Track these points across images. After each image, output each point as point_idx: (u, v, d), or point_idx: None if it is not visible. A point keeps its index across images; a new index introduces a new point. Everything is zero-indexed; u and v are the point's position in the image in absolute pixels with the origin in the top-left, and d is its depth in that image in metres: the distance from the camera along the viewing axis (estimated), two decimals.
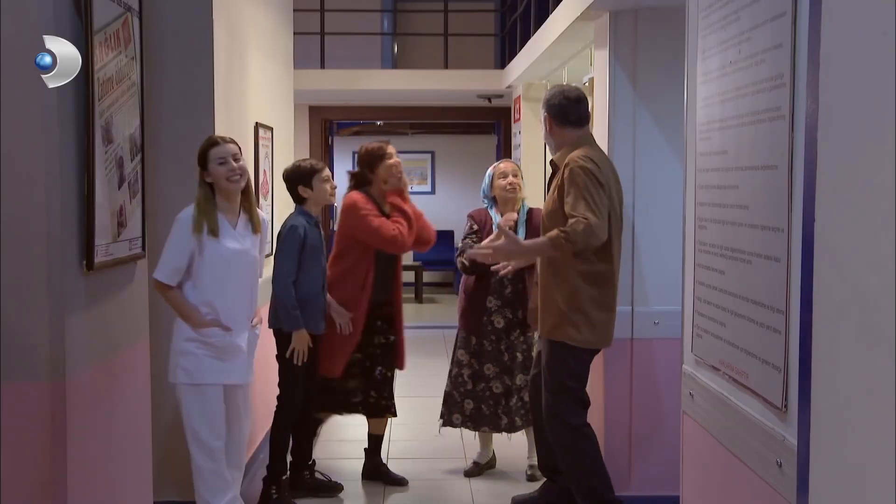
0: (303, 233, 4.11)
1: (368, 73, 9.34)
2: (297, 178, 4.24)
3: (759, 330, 2.06)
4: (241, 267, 3.54)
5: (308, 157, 9.52)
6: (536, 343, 4.53)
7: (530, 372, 4.23)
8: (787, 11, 1.93)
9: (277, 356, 4.21)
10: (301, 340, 4.10)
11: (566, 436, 3.74)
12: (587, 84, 5.66)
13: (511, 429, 4.59)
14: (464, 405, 4.61)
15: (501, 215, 4.50)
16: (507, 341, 4.51)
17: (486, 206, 4.65)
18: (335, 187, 4.35)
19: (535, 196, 6.52)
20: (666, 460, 3.97)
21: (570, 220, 3.46)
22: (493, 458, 4.83)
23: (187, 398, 3.46)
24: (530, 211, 4.56)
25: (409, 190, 4.62)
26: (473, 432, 4.75)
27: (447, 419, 4.65)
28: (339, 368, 4.39)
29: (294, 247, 4.10)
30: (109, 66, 2.76)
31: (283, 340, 4.16)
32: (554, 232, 3.48)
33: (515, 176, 4.56)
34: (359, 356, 4.44)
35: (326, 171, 4.29)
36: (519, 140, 8.10)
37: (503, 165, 4.65)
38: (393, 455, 5.04)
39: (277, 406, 4.23)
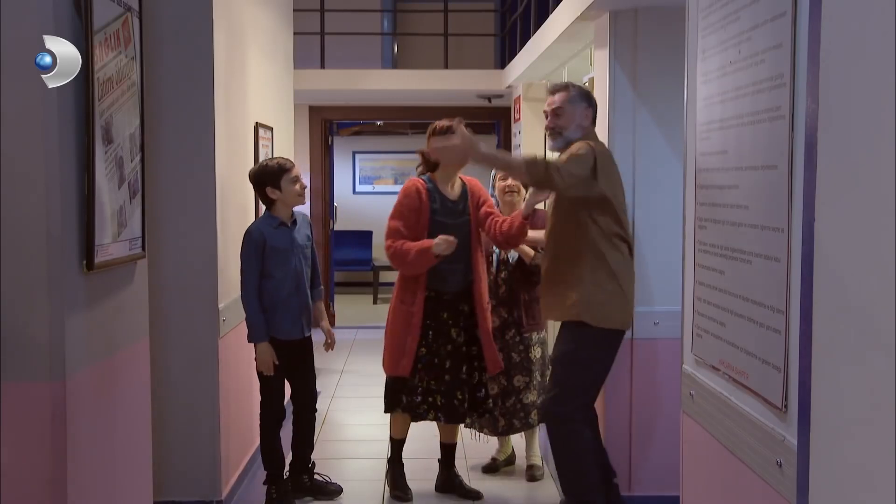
0: (259, 237, 4.03)
1: (368, 73, 9.33)
2: (265, 179, 4.09)
3: (759, 330, 2.06)
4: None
5: (308, 157, 9.58)
6: (536, 344, 4.53)
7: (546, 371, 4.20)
8: (787, 11, 1.93)
9: (256, 361, 4.19)
10: (262, 352, 4.05)
11: (565, 433, 3.72)
12: (587, 84, 5.65)
13: (509, 431, 4.58)
14: None
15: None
16: (502, 341, 4.49)
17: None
18: (305, 187, 4.17)
19: None
20: (666, 460, 3.97)
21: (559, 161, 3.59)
22: (513, 454, 4.82)
23: None
24: (533, 213, 4.54)
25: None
26: (478, 433, 4.74)
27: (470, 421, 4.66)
28: (405, 367, 4.16)
29: (249, 253, 4.03)
30: (109, 66, 2.76)
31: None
32: (534, 156, 3.58)
33: None
34: (424, 351, 4.16)
35: (296, 171, 4.14)
36: (519, 140, 8.09)
37: None
38: None
39: (260, 411, 4.24)
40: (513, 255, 4.47)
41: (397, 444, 4.46)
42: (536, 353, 4.53)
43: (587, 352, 3.69)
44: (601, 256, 3.63)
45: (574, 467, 3.73)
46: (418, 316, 4.13)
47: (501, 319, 4.50)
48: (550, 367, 3.87)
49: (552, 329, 4.57)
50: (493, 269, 4.50)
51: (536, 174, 3.50)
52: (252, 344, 4.13)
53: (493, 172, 4.63)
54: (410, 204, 4.14)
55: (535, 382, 4.50)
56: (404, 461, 4.51)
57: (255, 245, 4.03)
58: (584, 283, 3.64)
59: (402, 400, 4.25)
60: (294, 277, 4.12)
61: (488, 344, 4.24)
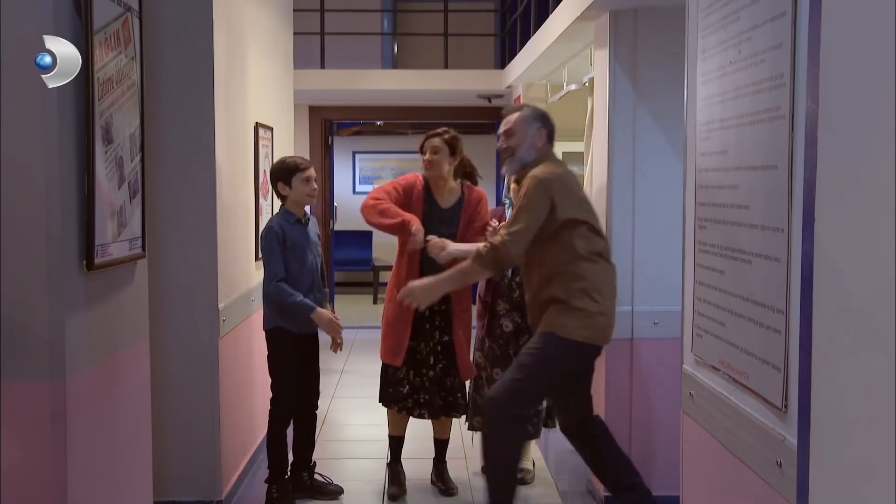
0: (280, 231, 4.09)
1: (368, 73, 9.33)
2: (278, 175, 4.17)
3: (759, 330, 2.06)
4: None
5: (308, 157, 9.57)
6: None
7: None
8: (787, 11, 1.93)
9: (268, 356, 4.21)
10: (321, 315, 4.11)
11: (502, 425, 3.57)
12: (587, 84, 5.65)
13: None
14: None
15: None
16: (516, 346, 4.46)
17: (505, 205, 4.62)
18: (315, 189, 4.22)
19: None
20: (666, 460, 3.97)
21: (498, 236, 3.55)
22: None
23: None
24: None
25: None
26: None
27: (471, 423, 4.64)
28: (398, 357, 4.27)
29: (273, 247, 4.08)
30: (109, 66, 2.76)
31: (272, 341, 4.17)
32: (475, 256, 3.57)
33: None
34: (412, 344, 4.28)
35: (310, 171, 4.18)
36: None
37: None
38: None
39: (270, 407, 4.24)
40: None
41: (394, 440, 4.51)
42: None
43: (548, 355, 3.56)
44: (578, 273, 3.53)
45: (502, 469, 3.61)
46: (412, 307, 4.15)
47: (515, 324, 4.47)
48: (519, 355, 3.74)
49: None
50: (508, 273, 4.48)
51: (488, 262, 3.54)
52: (264, 332, 4.22)
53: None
54: (406, 186, 4.30)
55: None
56: (405, 461, 4.52)
57: (277, 237, 4.09)
58: (560, 300, 3.53)
59: (388, 391, 4.36)
60: (310, 273, 4.19)
61: (461, 351, 4.34)
